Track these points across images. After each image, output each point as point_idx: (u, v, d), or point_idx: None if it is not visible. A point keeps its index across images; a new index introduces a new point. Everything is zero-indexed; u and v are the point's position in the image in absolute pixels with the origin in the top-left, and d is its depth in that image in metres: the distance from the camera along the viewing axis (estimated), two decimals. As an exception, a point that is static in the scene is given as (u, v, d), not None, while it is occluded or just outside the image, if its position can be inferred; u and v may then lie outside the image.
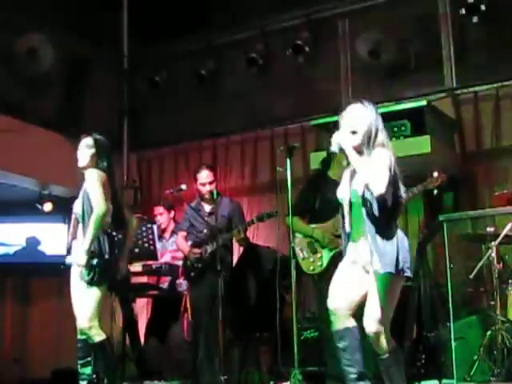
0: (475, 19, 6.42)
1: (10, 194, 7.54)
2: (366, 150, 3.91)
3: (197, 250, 5.90)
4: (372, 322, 3.81)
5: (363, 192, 3.86)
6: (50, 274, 7.11)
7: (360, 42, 7.08)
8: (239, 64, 7.61)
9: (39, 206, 7.50)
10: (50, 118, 7.42)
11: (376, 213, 3.82)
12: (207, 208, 6.00)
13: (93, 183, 4.73)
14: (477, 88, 6.71)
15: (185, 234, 6.09)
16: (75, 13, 7.53)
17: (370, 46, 6.94)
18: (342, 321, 3.92)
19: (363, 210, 3.87)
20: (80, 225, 4.81)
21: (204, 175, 5.95)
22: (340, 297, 3.95)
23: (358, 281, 3.94)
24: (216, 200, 5.92)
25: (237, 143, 7.88)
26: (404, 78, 7.07)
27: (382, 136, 3.93)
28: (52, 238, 7.57)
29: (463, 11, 6.44)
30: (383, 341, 3.83)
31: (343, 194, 4.03)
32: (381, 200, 3.80)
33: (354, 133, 3.92)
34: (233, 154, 7.88)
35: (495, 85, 6.59)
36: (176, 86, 7.94)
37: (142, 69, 8.19)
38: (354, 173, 3.99)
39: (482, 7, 6.33)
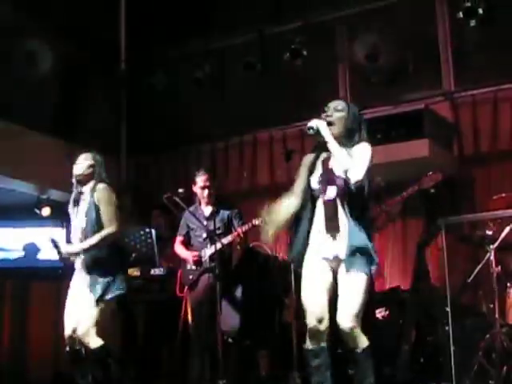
0: (473, 23, 6.43)
1: (8, 199, 7.54)
2: (345, 142, 3.92)
3: (195, 254, 5.89)
4: (349, 316, 3.78)
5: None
6: (49, 278, 7.11)
7: (358, 45, 7.09)
8: (237, 68, 7.61)
9: (37, 211, 7.50)
10: (47, 123, 7.41)
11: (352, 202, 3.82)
12: (206, 211, 5.97)
13: (108, 200, 4.80)
14: (475, 91, 6.72)
15: (182, 238, 6.06)
16: (73, 16, 7.53)
17: (368, 50, 6.95)
18: (320, 338, 3.91)
19: (339, 201, 3.86)
20: (79, 232, 4.82)
21: (204, 178, 5.93)
22: (319, 309, 3.90)
23: (325, 281, 3.92)
24: (215, 203, 5.91)
25: (235, 147, 7.88)
26: (402, 81, 7.08)
27: (364, 135, 3.95)
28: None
29: (461, 15, 6.44)
30: (360, 335, 3.82)
31: (319, 183, 3.96)
32: (357, 187, 3.78)
33: (329, 124, 3.93)
34: (231, 158, 7.88)
35: (493, 88, 6.60)
36: (174, 90, 7.94)
37: (141, 72, 8.19)
38: (327, 161, 3.97)
39: (480, 11, 6.34)
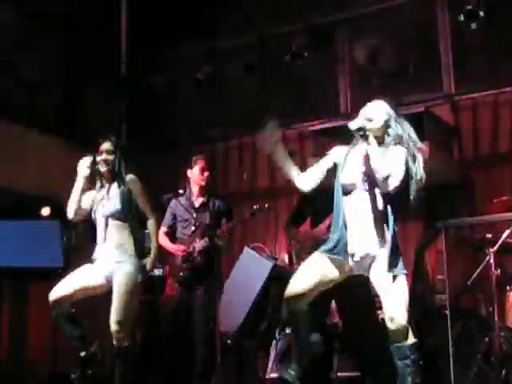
0: (474, 25, 6.43)
1: (7, 198, 7.52)
2: (380, 142, 3.93)
3: (183, 248, 5.59)
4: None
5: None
6: (48, 277, 7.09)
7: (358, 47, 7.09)
8: (238, 69, 7.61)
9: (37, 210, 7.48)
10: (48, 122, 7.41)
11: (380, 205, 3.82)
12: (197, 202, 5.71)
13: (142, 192, 4.78)
14: (475, 94, 6.72)
15: (166, 230, 5.72)
16: (74, 16, 7.53)
17: (369, 52, 6.96)
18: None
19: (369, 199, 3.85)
20: (109, 226, 4.72)
21: (202, 164, 5.70)
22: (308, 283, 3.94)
23: (326, 273, 3.94)
24: (207, 195, 5.71)
25: (235, 148, 7.88)
26: (402, 83, 7.08)
27: (401, 131, 3.94)
28: (50, 242, 7.54)
29: (462, 17, 6.45)
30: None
31: (351, 178, 3.93)
32: (389, 194, 3.80)
33: (369, 120, 3.92)
34: (231, 159, 7.87)
35: (494, 91, 6.60)
36: (175, 91, 7.94)
37: (141, 73, 8.19)
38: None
39: (481, 13, 6.34)
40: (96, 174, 4.79)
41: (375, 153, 3.84)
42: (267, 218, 6.93)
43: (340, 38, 7.52)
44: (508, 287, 5.21)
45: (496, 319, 4.92)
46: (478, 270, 5.12)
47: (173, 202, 5.73)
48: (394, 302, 3.79)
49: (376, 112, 3.97)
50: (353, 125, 3.89)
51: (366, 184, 3.86)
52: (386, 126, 3.95)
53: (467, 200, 6.55)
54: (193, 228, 5.63)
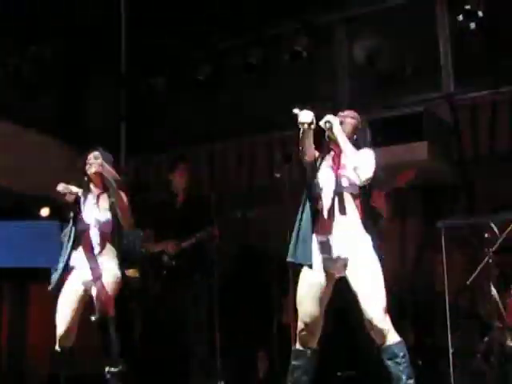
0: (473, 25, 6.43)
1: (6, 198, 7.52)
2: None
3: (172, 244, 5.72)
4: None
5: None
6: (48, 278, 7.09)
7: (357, 47, 7.09)
8: (237, 69, 7.61)
9: (37, 211, 7.48)
10: (47, 122, 7.41)
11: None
12: (180, 203, 5.85)
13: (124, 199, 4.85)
14: (474, 94, 6.72)
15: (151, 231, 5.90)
16: (74, 17, 7.52)
17: (368, 52, 6.96)
18: (307, 343, 3.97)
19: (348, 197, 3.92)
20: (92, 233, 4.87)
21: (183, 167, 5.88)
22: (318, 315, 3.96)
23: (322, 292, 3.97)
24: (189, 196, 5.84)
25: (234, 149, 7.88)
26: (402, 83, 7.08)
27: (368, 143, 4.08)
28: (49, 242, 7.54)
29: (461, 17, 6.45)
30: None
31: (326, 180, 4.01)
32: (364, 186, 3.86)
33: (341, 123, 4.02)
34: (231, 160, 7.87)
35: (493, 91, 6.61)
36: (174, 91, 7.94)
37: (141, 73, 8.19)
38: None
39: (480, 13, 6.34)
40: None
41: None
42: (268, 218, 6.93)
43: (339, 38, 7.52)
44: (507, 287, 5.22)
45: (495, 319, 4.93)
46: (478, 270, 5.13)
47: (154, 203, 5.90)
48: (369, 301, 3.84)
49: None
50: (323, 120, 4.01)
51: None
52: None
53: (466, 199, 6.56)
54: (177, 226, 5.74)
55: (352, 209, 3.92)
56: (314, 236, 3.96)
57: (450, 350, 4.86)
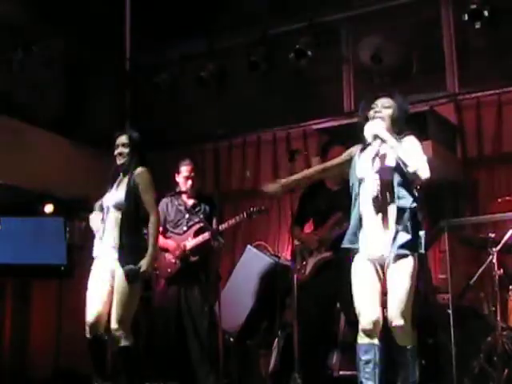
0: (478, 25, 6.41)
1: (10, 195, 7.53)
2: (393, 135, 4.01)
3: (175, 245, 5.67)
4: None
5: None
6: (51, 275, 7.11)
7: (362, 46, 7.09)
8: (242, 67, 7.60)
9: (40, 208, 7.49)
10: (51, 120, 7.42)
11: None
12: (188, 204, 5.80)
13: (148, 186, 4.75)
14: (479, 93, 6.71)
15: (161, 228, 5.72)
16: (78, 15, 7.53)
17: (373, 51, 6.95)
18: (372, 336, 3.95)
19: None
20: (110, 218, 4.74)
21: (189, 168, 5.81)
22: (372, 310, 3.95)
23: (375, 282, 3.97)
24: (197, 197, 5.80)
25: (239, 146, 7.87)
26: (406, 82, 7.08)
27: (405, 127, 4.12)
28: (53, 239, 7.55)
29: (466, 17, 6.43)
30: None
31: (363, 173, 4.02)
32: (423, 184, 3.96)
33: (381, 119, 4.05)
34: (235, 158, 7.87)
35: (497, 90, 6.59)
36: (178, 89, 7.94)
37: (145, 71, 8.19)
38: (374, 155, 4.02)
39: (485, 13, 6.33)
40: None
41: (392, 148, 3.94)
42: (270, 217, 6.92)
43: (344, 37, 7.51)
44: (510, 287, 5.22)
45: (498, 319, 4.92)
46: (481, 270, 5.12)
47: (163, 203, 5.77)
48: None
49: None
50: (367, 133, 3.98)
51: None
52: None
53: (470, 199, 6.55)
54: (184, 228, 5.73)
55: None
56: (362, 224, 3.99)
57: (453, 350, 4.85)
